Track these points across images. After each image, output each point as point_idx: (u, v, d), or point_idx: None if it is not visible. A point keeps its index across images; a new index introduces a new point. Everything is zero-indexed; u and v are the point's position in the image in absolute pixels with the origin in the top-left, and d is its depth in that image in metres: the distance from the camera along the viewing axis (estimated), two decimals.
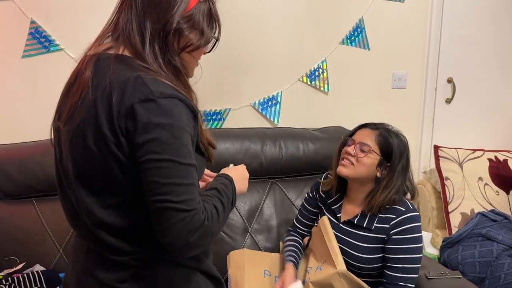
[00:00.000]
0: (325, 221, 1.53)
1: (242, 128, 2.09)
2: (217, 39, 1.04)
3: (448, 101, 2.51)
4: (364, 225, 1.49)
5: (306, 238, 1.71)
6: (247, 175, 1.22)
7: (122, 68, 0.93)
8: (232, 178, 1.10)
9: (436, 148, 2.33)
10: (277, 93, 2.23)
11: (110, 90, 0.90)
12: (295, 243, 1.66)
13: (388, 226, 1.45)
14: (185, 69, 0.99)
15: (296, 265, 1.58)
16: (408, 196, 1.54)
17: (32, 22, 1.89)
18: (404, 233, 1.43)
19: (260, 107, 2.22)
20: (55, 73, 1.89)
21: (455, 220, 2.16)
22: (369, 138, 1.49)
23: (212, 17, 1.01)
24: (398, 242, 1.43)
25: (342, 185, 1.58)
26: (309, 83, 2.27)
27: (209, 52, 1.06)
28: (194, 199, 0.88)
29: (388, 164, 1.47)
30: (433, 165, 2.37)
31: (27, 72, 1.92)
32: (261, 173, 2.01)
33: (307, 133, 2.11)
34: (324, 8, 2.22)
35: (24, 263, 1.66)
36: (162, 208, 0.86)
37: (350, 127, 2.16)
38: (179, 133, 0.88)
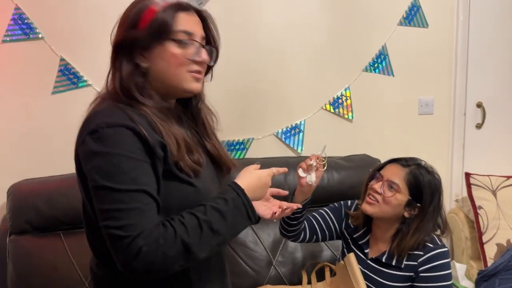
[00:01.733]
0: (351, 258, 1.45)
1: (265, 157, 2.08)
2: (180, 42, 1.02)
3: (479, 126, 2.43)
4: (393, 264, 1.42)
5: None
6: (266, 181, 1.11)
7: (98, 103, 1.03)
8: (242, 190, 1.01)
9: (468, 175, 2.25)
10: (300, 122, 2.22)
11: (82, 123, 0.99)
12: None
13: (416, 263, 1.39)
14: (166, 86, 1.03)
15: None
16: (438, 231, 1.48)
17: (62, 59, 1.96)
18: (433, 270, 1.36)
19: (283, 136, 2.22)
20: (84, 107, 1.94)
21: (491, 251, 2.06)
22: (398, 176, 1.41)
23: (163, 22, 1.00)
24: (427, 280, 1.37)
25: (369, 220, 1.52)
26: (332, 111, 2.25)
27: (193, 60, 1.04)
28: (134, 224, 0.88)
29: (418, 204, 1.40)
30: (465, 193, 2.29)
31: (57, 107, 1.98)
32: None
33: (332, 162, 2.08)
34: (346, 36, 2.22)
35: None
36: (106, 233, 0.90)
37: (376, 154, 2.14)
38: (117, 160, 0.90)
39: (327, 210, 1.63)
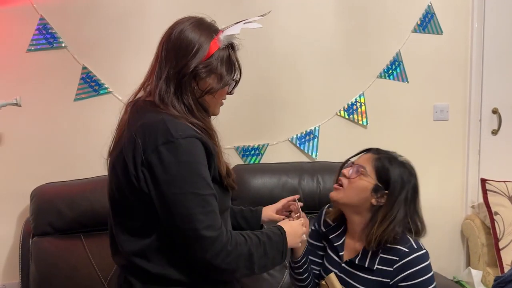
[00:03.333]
0: (332, 278, 1.38)
1: (279, 162, 2.12)
2: (237, 82, 1.19)
3: (495, 132, 2.42)
4: (366, 265, 1.34)
5: None
6: (300, 232, 1.26)
7: (144, 111, 1.08)
8: (284, 231, 1.18)
9: (484, 181, 2.24)
10: (315, 128, 2.25)
11: (135, 132, 1.04)
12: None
13: (391, 269, 1.31)
14: (206, 108, 1.14)
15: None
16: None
17: (84, 68, 2.03)
18: (413, 277, 1.29)
19: (298, 142, 2.25)
20: (104, 114, 2.02)
21: (507, 257, 2.05)
22: (367, 162, 1.38)
23: (231, 63, 1.14)
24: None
25: (344, 219, 1.45)
26: (347, 117, 2.27)
27: (230, 93, 1.21)
28: (215, 225, 1.01)
29: (386, 191, 1.34)
30: (481, 199, 2.28)
31: (79, 114, 2.05)
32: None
33: None
34: (360, 42, 2.25)
35: None
36: (190, 235, 1.00)
37: None
38: (196, 168, 1.02)
39: (308, 240, 1.52)
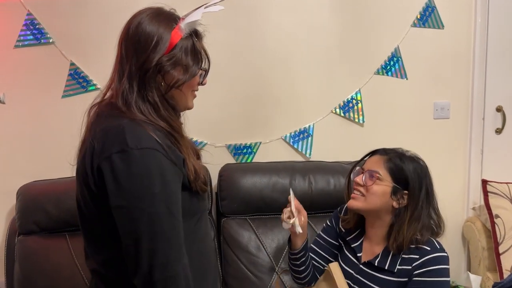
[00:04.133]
0: (335, 267, 1.39)
1: (270, 162, 2.06)
2: (206, 71, 1.12)
3: (499, 131, 2.32)
4: (386, 267, 1.33)
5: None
6: None
7: (106, 116, 1.02)
8: None
9: (485, 182, 2.15)
10: (309, 126, 2.18)
11: (94, 138, 0.99)
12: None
13: (410, 267, 1.30)
14: (174, 105, 1.07)
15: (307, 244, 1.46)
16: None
17: (72, 64, 2.00)
18: (428, 275, 1.27)
19: (292, 140, 2.18)
20: None
21: (507, 262, 1.96)
22: (378, 165, 1.35)
23: (196, 51, 1.07)
24: (419, 284, 1.27)
25: (362, 221, 1.45)
26: (342, 115, 2.20)
27: (202, 84, 1.13)
28: (156, 249, 0.94)
29: (406, 191, 1.33)
30: (483, 201, 2.19)
31: (66, 111, 2.02)
32: None
33: (339, 167, 2.03)
34: (357, 38, 2.17)
35: None
36: (129, 251, 0.96)
37: None
38: (148, 182, 0.94)
39: (321, 235, 1.57)
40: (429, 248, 1.30)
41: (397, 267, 1.32)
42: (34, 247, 1.81)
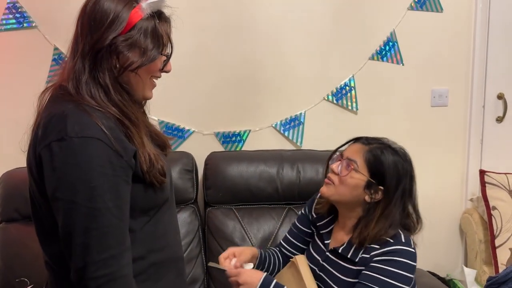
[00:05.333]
0: (302, 260, 1.33)
1: (258, 150, 2.00)
2: (168, 56, 1.04)
3: (500, 119, 2.23)
4: (349, 256, 1.26)
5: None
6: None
7: (53, 100, 0.97)
8: None
9: (482, 173, 2.07)
10: (300, 113, 2.11)
11: (39, 124, 0.94)
12: (271, 252, 1.48)
13: (368, 256, 1.22)
14: (128, 90, 0.99)
15: (262, 257, 1.41)
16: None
17: (55, 48, 1.96)
18: (386, 264, 1.18)
19: (282, 128, 2.12)
20: None
21: (503, 256, 1.89)
22: (357, 155, 1.27)
23: (157, 35, 0.99)
24: (374, 270, 1.19)
25: (335, 208, 1.37)
26: (335, 102, 2.12)
27: (165, 71, 1.06)
28: (93, 245, 0.90)
29: (381, 187, 1.25)
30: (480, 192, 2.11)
31: None
32: (277, 199, 1.90)
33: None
34: (351, 22, 2.08)
35: (32, 285, 1.69)
36: (65, 246, 0.91)
37: None
38: (85, 173, 0.89)
39: (295, 223, 1.50)
40: (392, 241, 1.22)
41: (359, 256, 1.25)
42: (15, 234, 1.78)
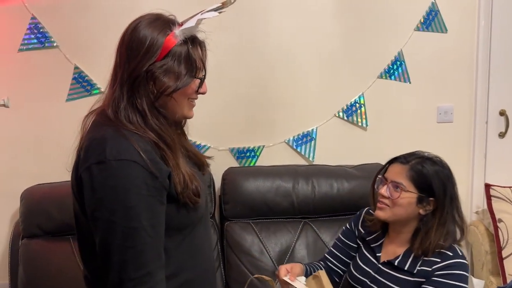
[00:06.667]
0: (324, 273, 1.39)
1: (273, 165, 2.06)
2: (201, 79, 1.07)
3: (502, 135, 2.32)
4: (406, 268, 1.34)
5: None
6: None
7: (95, 125, 1.03)
8: None
9: (488, 187, 2.15)
10: (312, 129, 2.18)
11: (81, 147, 1.00)
12: (317, 266, 1.53)
13: (430, 269, 1.31)
14: (165, 114, 1.03)
15: (308, 272, 1.46)
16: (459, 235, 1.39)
17: (76, 67, 2.01)
18: (449, 277, 1.28)
19: (295, 144, 2.18)
20: None
21: (510, 267, 1.96)
22: (401, 175, 1.35)
23: (191, 60, 1.03)
24: (438, 284, 1.28)
25: (386, 224, 1.45)
26: (346, 118, 2.20)
27: (200, 93, 1.09)
28: (129, 265, 0.94)
29: (431, 198, 1.33)
30: (486, 205, 2.18)
31: (70, 114, 2.02)
32: (293, 213, 1.96)
33: (342, 170, 2.04)
34: (360, 41, 2.17)
35: None
36: (103, 266, 0.96)
37: None
38: (123, 195, 0.93)
39: (341, 238, 1.56)
40: (451, 254, 1.32)
41: (417, 267, 1.33)
42: (38, 250, 1.81)
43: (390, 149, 2.21)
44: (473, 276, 2.18)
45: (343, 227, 1.60)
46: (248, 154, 2.17)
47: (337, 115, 2.20)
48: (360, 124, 2.21)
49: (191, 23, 1.02)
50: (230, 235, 1.90)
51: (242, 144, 2.16)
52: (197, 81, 1.06)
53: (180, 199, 1.01)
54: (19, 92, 1.97)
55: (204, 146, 2.12)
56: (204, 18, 1.05)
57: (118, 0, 1.98)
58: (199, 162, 1.18)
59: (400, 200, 1.33)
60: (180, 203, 1.02)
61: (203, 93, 1.11)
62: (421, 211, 1.34)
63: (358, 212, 1.58)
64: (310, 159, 2.19)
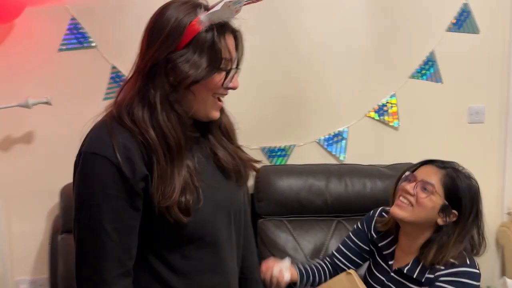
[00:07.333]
0: (357, 274, 1.34)
1: (306, 164, 2.08)
2: (227, 72, 0.93)
3: None
4: (414, 276, 1.28)
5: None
6: None
7: (103, 116, 0.98)
8: None
9: None
10: (343, 129, 2.20)
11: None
12: (317, 265, 1.49)
13: (433, 276, 1.26)
14: (181, 111, 0.92)
15: (299, 271, 1.42)
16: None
17: (113, 67, 2.05)
18: (454, 284, 1.21)
19: (326, 143, 2.20)
20: None
21: None
22: (434, 177, 1.28)
23: (215, 49, 0.90)
24: None
25: (397, 226, 1.38)
26: (377, 118, 2.21)
27: (231, 88, 0.96)
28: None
29: (454, 211, 1.28)
30: None
31: None
32: (326, 211, 1.97)
33: (375, 170, 2.04)
34: (392, 42, 2.18)
35: None
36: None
37: None
38: (87, 191, 0.87)
39: (351, 237, 1.50)
40: (457, 263, 1.25)
41: (425, 276, 1.28)
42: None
43: (421, 149, 2.24)
44: (505, 276, 2.16)
45: (354, 226, 1.54)
46: (279, 153, 2.19)
47: (368, 115, 2.21)
48: (391, 124, 2.21)
49: (217, 7, 0.90)
50: (263, 232, 1.92)
51: (274, 143, 2.18)
52: (223, 74, 0.92)
53: (155, 211, 0.88)
54: (59, 90, 2.02)
55: None
56: (232, 2, 0.90)
57: (155, 1, 2.02)
58: (235, 171, 1.03)
59: (425, 201, 1.26)
60: (156, 215, 0.88)
61: (233, 88, 0.96)
62: (440, 221, 1.27)
63: (371, 212, 1.51)
64: (341, 158, 2.21)
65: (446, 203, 1.27)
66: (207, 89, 0.93)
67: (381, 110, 2.21)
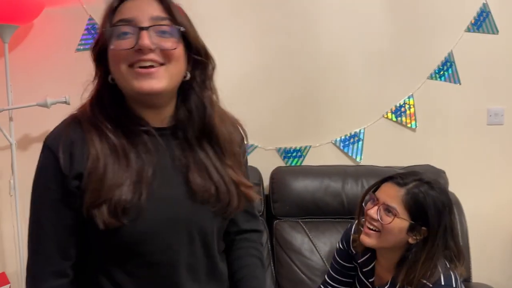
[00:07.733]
0: None
1: (322, 165, 2.06)
2: (116, 26, 0.85)
3: None
4: None
5: None
6: None
7: None
8: None
9: None
10: (360, 130, 2.18)
11: None
12: None
13: None
14: (121, 89, 0.87)
15: None
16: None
17: None
18: None
19: (342, 144, 2.18)
20: None
21: None
22: (395, 199, 1.24)
23: (111, 6, 0.87)
24: None
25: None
26: (394, 119, 2.19)
27: (135, 48, 0.82)
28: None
29: (424, 228, 1.23)
30: None
31: None
32: (343, 213, 1.95)
33: (392, 171, 1.99)
34: (410, 42, 2.16)
35: None
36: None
37: (440, 165, 2.05)
38: (36, 181, 0.87)
39: (335, 257, 1.49)
40: (430, 284, 1.22)
41: None
42: None
43: (439, 151, 2.22)
44: None
45: (336, 246, 1.52)
46: (294, 154, 2.18)
47: (385, 116, 2.19)
48: (409, 125, 2.19)
49: None
50: (279, 234, 1.91)
51: (289, 144, 2.17)
52: (132, 36, 0.81)
53: (83, 210, 0.81)
54: (76, 90, 2.03)
55: (252, 145, 2.14)
56: None
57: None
58: (208, 195, 0.89)
59: (391, 226, 1.23)
60: (85, 216, 0.81)
61: (139, 49, 0.80)
62: (410, 240, 1.24)
63: (346, 229, 1.49)
64: (357, 160, 2.19)
65: (413, 222, 1.24)
66: (116, 58, 0.84)
67: (398, 111, 2.18)
